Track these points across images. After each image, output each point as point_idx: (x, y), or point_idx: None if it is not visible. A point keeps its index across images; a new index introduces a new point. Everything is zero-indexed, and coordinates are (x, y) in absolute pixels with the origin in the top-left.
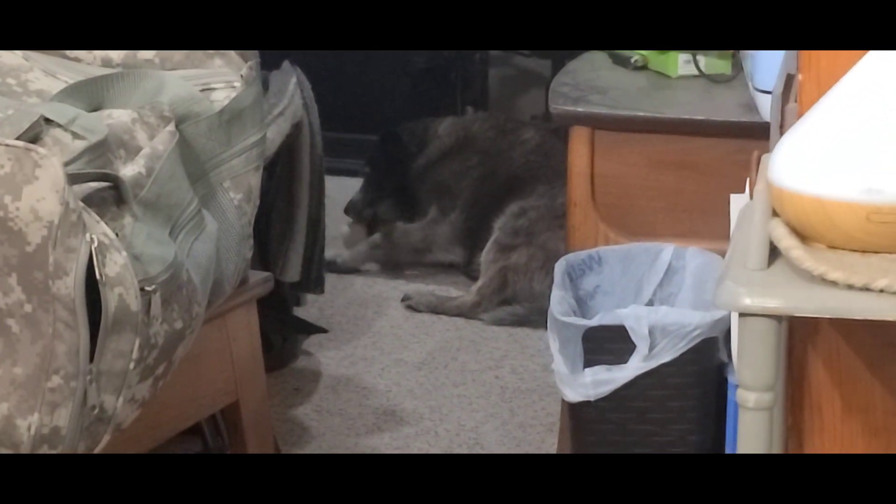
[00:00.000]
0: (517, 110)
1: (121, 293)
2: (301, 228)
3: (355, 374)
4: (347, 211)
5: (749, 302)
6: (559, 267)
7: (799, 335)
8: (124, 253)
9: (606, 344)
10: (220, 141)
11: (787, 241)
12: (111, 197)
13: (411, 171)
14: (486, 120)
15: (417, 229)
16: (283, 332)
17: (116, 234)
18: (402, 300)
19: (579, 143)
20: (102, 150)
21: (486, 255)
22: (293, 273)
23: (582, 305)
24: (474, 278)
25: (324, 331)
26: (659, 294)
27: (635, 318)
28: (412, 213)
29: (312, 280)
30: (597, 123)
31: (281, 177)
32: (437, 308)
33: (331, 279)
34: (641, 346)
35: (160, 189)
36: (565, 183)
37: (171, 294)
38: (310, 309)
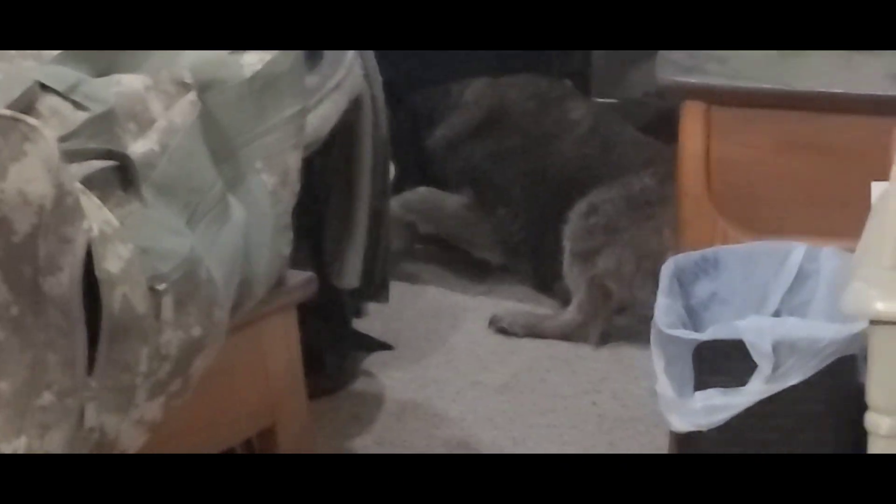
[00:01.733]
0: (626, 86)
1: (125, 293)
2: (361, 224)
3: (425, 399)
4: None
5: (882, 307)
6: (667, 270)
7: None
8: (130, 245)
9: (722, 362)
10: (252, 113)
11: None
12: (116, 178)
13: (429, 143)
14: (524, 86)
15: (456, 206)
16: (339, 348)
17: (121, 223)
18: (491, 323)
19: (693, 122)
20: (108, 122)
21: (567, 270)
22: (352, 277)
23: (694, 316)
24: (540, 288)
25: (389, 347)
26: (788, 303)
27: (757, 331)
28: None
29: (375, 286)
30: (714, 98)
31: (338, 162)
32: (536, 329)
33: (398, 287)
34: (764, 366)
35: (176, 169)
36: (642, 168)
37: (186, 295)
38: (373, 321)
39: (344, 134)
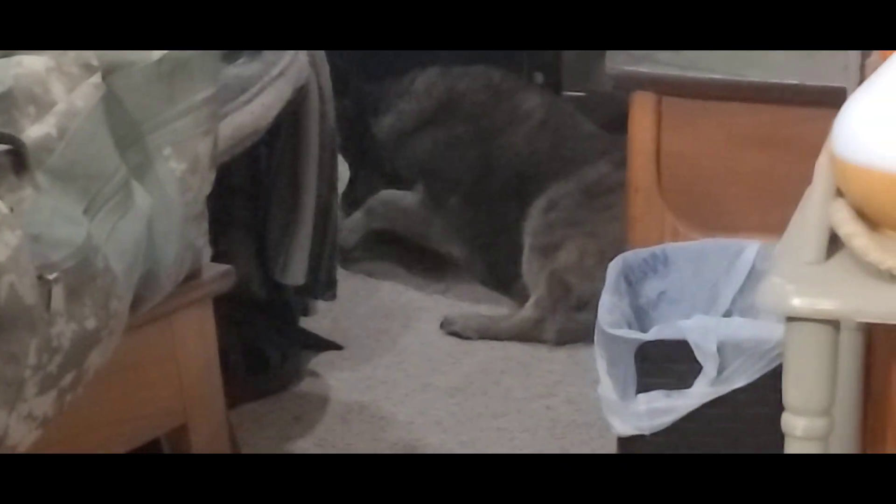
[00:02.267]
0: (597, 79)
1: (12, 282)
2: (308, 218)
3: (372, 401)
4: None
5: (798, 303)
6: (614, 268)
7: (882, 349)
8: (19, 232)
9: (665, 364)
10: (160, 97)
11: (849, 227)
12: (9, 163)
13: (377, 133)
14: (475, 77)
15: (411, 202)
16: (283, 346)
17: (11, 210)
18: (442, 326)
19: (643, 114)
20: (5, 105)
21: (526, 266)
22: (297, 274)
23: (642, 316)
24: (497, 287)
25: (337, 347)
26: (739, 303)
27: (701, 331)
28: (393, 186)
29: (321, 283)
30: (665, 88)
31: (283, 153)
32: (490, 331)
33: (350, 283)
34: (709, 367)
35: (75, 154)
36: (597, 158)
37: (80, 285)
38: (321, 320)
39: (289, 124)
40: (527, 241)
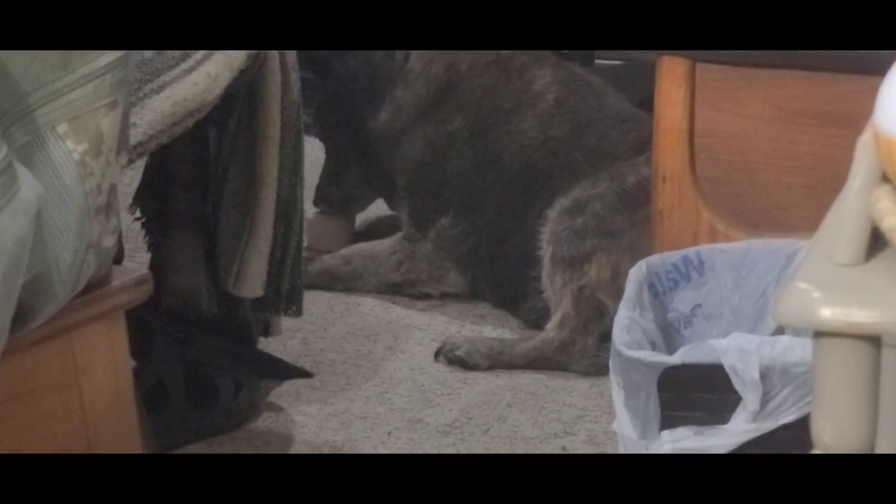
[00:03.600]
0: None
1: None
2: (267, 215)
3: (347, 441)
4: (315, 198)
5: (828, 314)
6: (635, 275)
7: None
8: None
9: (695, 393)
10: (53, 62)
11: (894, 220)
12: None
13: (372, 130)
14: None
15: (387, 252)
16: (236, 373)
17: None
18: (440, 354)
19: (672, 84)
20: None
21: (547, 280)
22: (254, 284)
23: (671, 335)
24: (502, 305)
25: (305, 374)
26: None
27: (740, 352)
28: (392, 189)
29: (284, 296)
30: (701, 53)
31: (237, 135)
32: (503, 357)
33: (324, 297)
34: (750, 398)
35: None
36: (634, 153)
37: None
38: (286, 341)
39: (243, 98)
40: (548, 249)
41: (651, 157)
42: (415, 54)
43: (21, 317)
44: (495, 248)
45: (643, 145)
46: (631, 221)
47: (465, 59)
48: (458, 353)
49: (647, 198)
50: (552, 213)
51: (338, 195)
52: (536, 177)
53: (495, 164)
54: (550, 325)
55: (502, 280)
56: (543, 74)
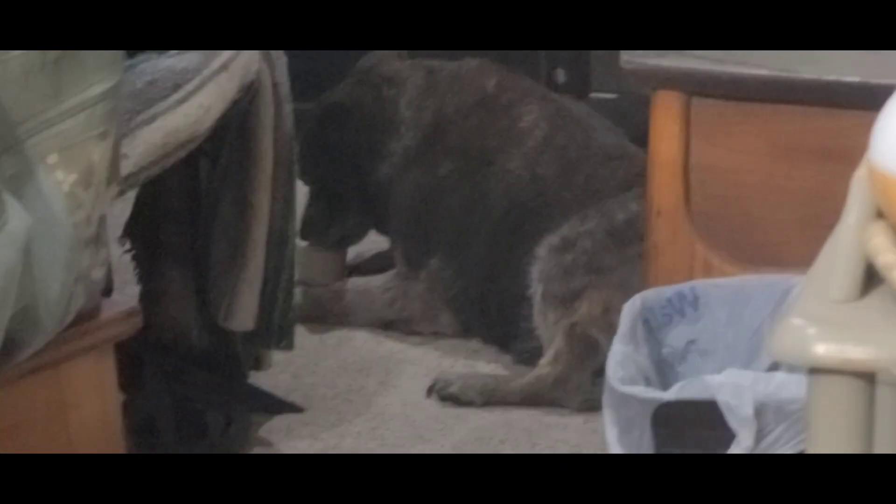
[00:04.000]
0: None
1: None
2: (258, 249)
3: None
4: (305, 232)
5: (822, 350)
6: (629, 310)
7: None
8: None
9: (690, 430)
10: (44, 91)
11: (890, 257)
12: None
13: (372, 179)
14: (468, 88)
15: (381, 289)
16: (226, 408)
17: None
18: (432, 391)
19: (667, 119)
20: None
21: (539, 318)
22: (245, 317)
23: (665, 371)
24: (494, 343)
25: (296, 409)
26: None
27: (734, 388)
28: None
29: (276, 329)
30: (695, 87)
31: (228, 167)
32: (497, 394)
33: (315, 330)
34: (744, 435)
35: None
36: (622, 189)
37: None
38: (277, 375)
39: (236, 130)
40: (538, 287)
41: (643, 193)
42: (404, 102)
43: (8, 349)
44: (484, 287)
45: (631, 182)
46: (621, 259)
47: (452, 101)
48: (452, 390)
49: (636, 235)
50: (541, 251)
51: (334, 234)
52: (524, 216)
53: (482, 205)
54: (544, 360)
55: (493, 320)
56: (531, 111)
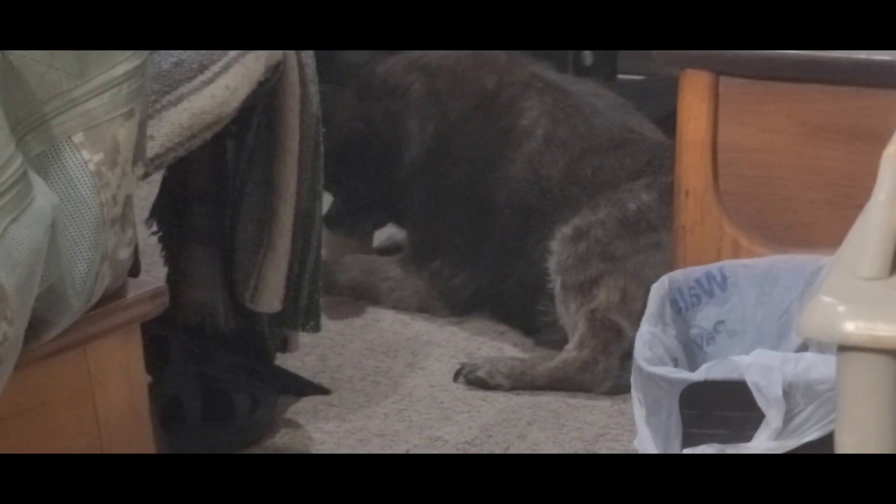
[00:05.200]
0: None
1: None
2: (285, 230)
3: None
4: (331, 222)
5: (852, 328)
6: (658, 291)
7: None
8: None
9: (718, 410)
10: (69, 70)
11: None
12: None
13: (393, 185)
14: (470, 89)
15: (381, 277)
16: (253, 390)
17: None
18: (459, 375)
19: (695, 98)
20: None
21: (561, 308)
22: (272, 299)
23: (694, 352)
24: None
25: (323, 391)
26: None
27: (763, 369)
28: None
29: (302, 311)
30: (723, 65)
31: (255, 149)
32: (526, 377)
33: (341, 311)
34: (772, 416)
35: None
36: (631, 179)
37: None
38: (303, 357)
39: (262, 111)
40: (556, 279)
41: (653, 182)
42: (409, 115)
43: (35, 328)
44: (494, 287)
45: (639, 171)
46: (634, 247)
47: (455, 107)
48: (479, 373)
49: (648, 225)
50: (554, 245)
51: (361, 228)
52: (531, 217)
53: (489, 216)
54: (570, 345)
55: (510, 313)
56: (530, 106)
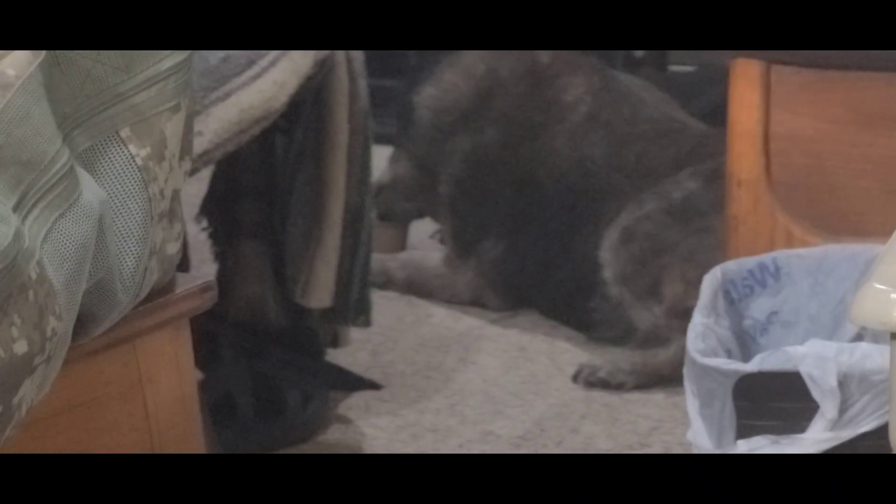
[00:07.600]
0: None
1: None
2: (335, 225)
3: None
4: (383, 214)
5: None
6: (710, 282)
7: None
8: None
9: (772, 402)
10: (115, 65)
11: None
12: None
13: (416, 108)
14: (523, 56)
15: (432, 273)
16: (305, 385)
17: None
18: (579, 377)
19: (746, 87)
20: None
21: (636, 315)
22: (322, 294)
23: (747, 343)
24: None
25: (374, 386)
26: None
27: (818, 359)
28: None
29: (353, 306)
30: (775, 54)
31: (304, 144)
32: (647, 370)
33: (393, 306)
34: (827, 406)
35: (4, 137)
36: (676, 168)
37: (6, 299)
38: (355, 352)
39: (310, 105)
40: (623, 291)
41: (697, 171)
42: (450, 67)
43: (84, 324)
44: (543, 274)
45: (683, 161)
46: (684, 232)
47: (507, 65)
48: (601, 374)
49: (696, 211)
50: (605, 255)
51: (408, 211)
52: (577, 199)
53: (531, 185)
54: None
55: (559, 309)
56: (576, 83)
